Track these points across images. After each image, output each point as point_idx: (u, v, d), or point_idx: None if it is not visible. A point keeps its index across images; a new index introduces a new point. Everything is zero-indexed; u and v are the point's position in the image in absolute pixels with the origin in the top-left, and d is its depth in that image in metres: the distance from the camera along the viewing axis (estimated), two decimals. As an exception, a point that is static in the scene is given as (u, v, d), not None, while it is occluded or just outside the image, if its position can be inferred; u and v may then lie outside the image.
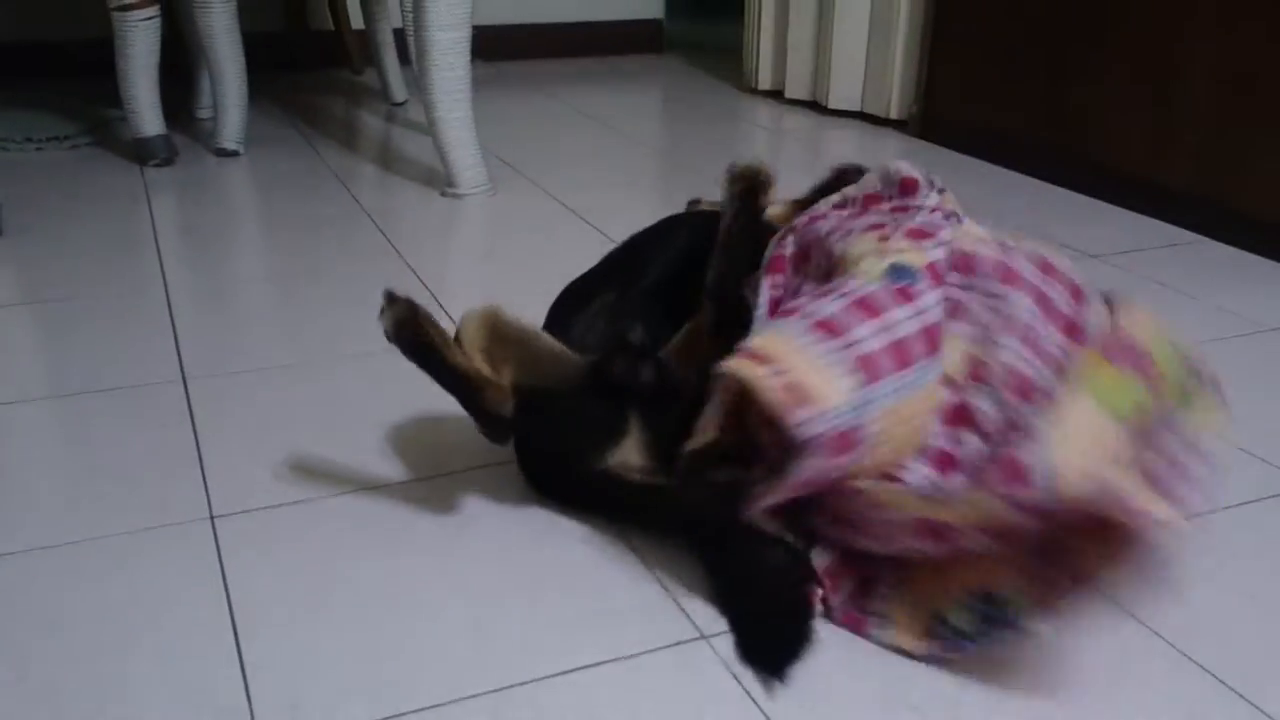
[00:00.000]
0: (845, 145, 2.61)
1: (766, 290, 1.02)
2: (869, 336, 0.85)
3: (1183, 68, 1.95)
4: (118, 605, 0.94)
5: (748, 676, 0.86)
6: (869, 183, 1.08)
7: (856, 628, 0.91)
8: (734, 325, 1.03)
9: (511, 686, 0.85)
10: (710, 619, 0.93)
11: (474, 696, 0.85)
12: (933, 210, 1.02)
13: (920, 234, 0.96)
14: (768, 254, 1.06)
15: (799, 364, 0.82)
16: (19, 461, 1.18)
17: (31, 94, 2.89)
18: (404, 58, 2.82)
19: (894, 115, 2.73)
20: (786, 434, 0.80)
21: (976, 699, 0.84)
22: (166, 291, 1.65)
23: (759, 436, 0.85)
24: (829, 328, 0.85)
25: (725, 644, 0.90)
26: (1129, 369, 0.95)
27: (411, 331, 0.97)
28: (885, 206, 1.05)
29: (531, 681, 0.86)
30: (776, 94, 3.07)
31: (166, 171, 2.28)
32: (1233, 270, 1.79)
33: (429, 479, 1.14)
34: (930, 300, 0.90)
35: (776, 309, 1.00)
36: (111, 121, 2.59)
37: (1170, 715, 0.83)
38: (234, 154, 2.39)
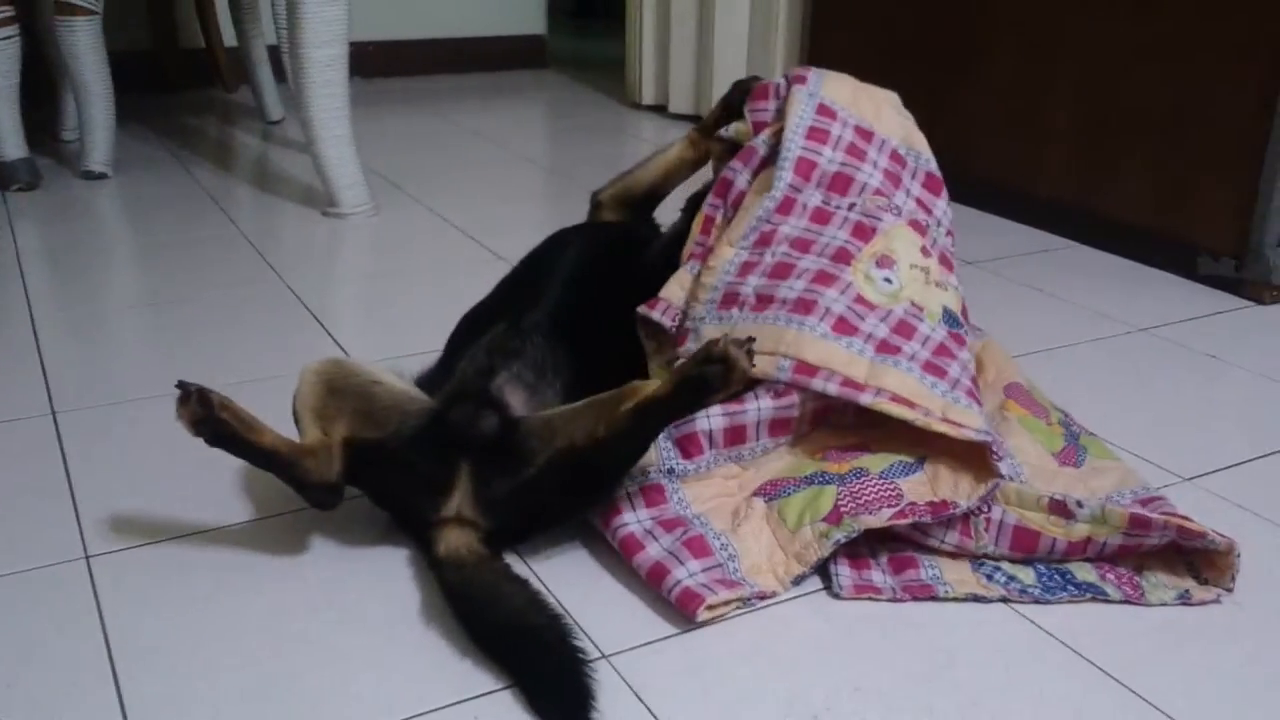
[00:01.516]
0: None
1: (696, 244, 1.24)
2: (961, 375, 1.11)
3: (1051, 85, 2.02)
4: (-15, 655, 0.89)
5: (649, 693, 0.86)
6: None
7: (923, 593, 0.98)
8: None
9: (408, 719, 0.83)
10: (610, 638, 0.92)
11: (370, 730, 0.82)
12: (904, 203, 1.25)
13: (946, 263, 1.21)
14: (698, 216, 1.25)
15: (938, 404, 1.06)
16: (-127, 507, 1.11)
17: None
18: (279, 74, 2.76)
19: (775, 128, 2.77)
20: (983, 446, 1.04)
21: (870, 701, 0.85)
22: (33, 321, 1.58)
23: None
24: (937, 371, 1.09)
25: (626, 662, 0.90)
26: (1039, 418, 1.18)
27: (210, 425, 0.95)
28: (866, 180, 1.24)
29: (429, 712, 0.84)
30: (660, 108, 3.09)
31: (30, 197, 2.19)
32: (1103, 273, 1.86)
33: (311, 509, 1.10)
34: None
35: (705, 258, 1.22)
36: (-31, 145, 2.48)
37: (1060, 708, 0.85)
38: (102, 177, 2.31)
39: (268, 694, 0.86)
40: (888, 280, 1.15)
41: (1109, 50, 1.91)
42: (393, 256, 1.91)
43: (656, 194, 1.38)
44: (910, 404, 1.06)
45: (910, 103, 1.35)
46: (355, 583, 0.99)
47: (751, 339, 0.94)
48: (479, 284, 1.24)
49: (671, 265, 1.24)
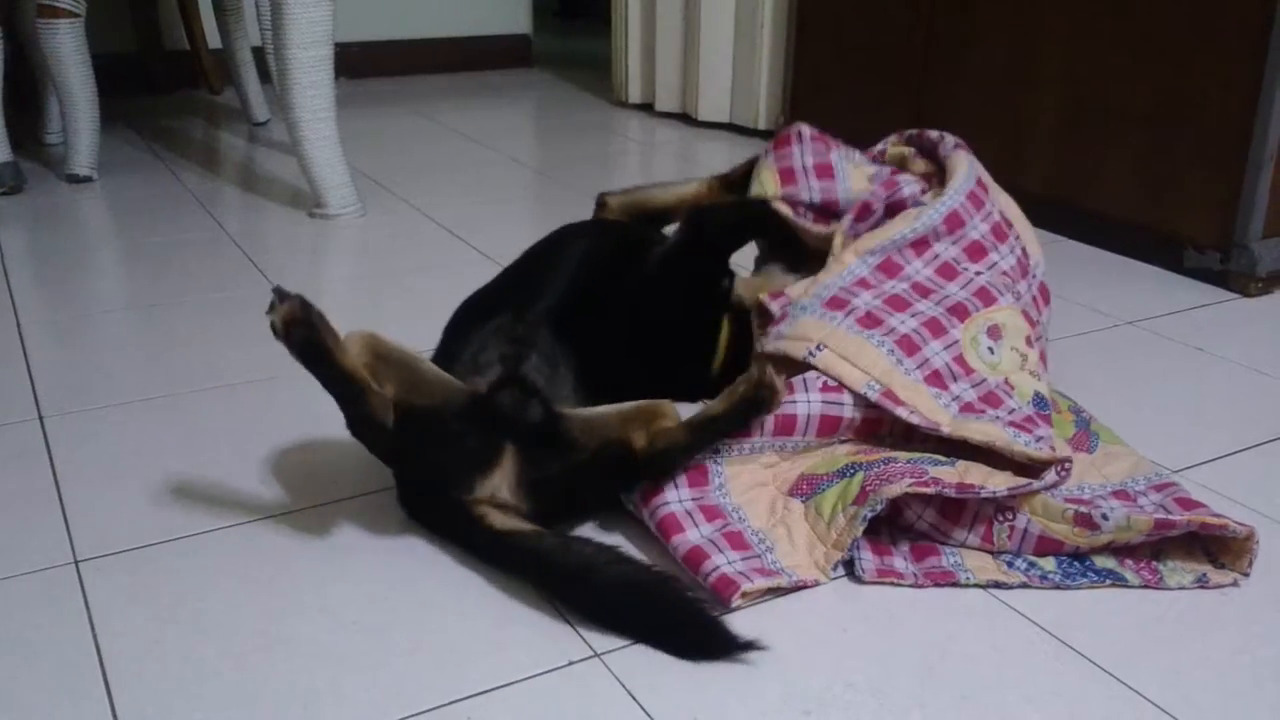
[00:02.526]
0: (716, 156, 2.64)
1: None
2: (1048, 436, 1.11)
3: (1036, 79, 2.03)
4: (-25, 661, 0.89)
5: (642, 691, 0.86)
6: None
7: (944, 579, 1.00)
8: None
9: None
10: (602, 637, 0.92)
11: (363, 732, 0.82)
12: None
13: (1044, 360, 1.24)
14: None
15: (1020, 449, 1.07)
16: None
17: None
18: (264, 76, 2.75)
19: (762, 126, 2.78)
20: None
21: (863, 696, 0.86)
22: (18, 325, 1.57)
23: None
24: (1023, 429, 1.10)
25: (618, 660, 0.90)
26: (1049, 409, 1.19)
27: (304, 330, 0.93)
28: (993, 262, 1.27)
29: (421, 713, 0.84)
30: (647, 107, 3.09)
31: (14, 200, 2.18)
32: (1090, 267, 1.87)
33: (302, 511, 1.11)
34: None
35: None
36: (-48, 149, 2.46)
37: (1052, 701, 0.86)
38: (87, 180, 2.30)
39: (259, 696, 0.85)
40: (990, 350, 1.18)
41: (1095, 45, 1.92)
42: (380, 257, 1.91)
43: (663, 219, 1.37)
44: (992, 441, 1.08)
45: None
46: (346, 584, 0.99)
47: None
48: (467, 284, 1.24)
49: (668, 280, 1.23)
